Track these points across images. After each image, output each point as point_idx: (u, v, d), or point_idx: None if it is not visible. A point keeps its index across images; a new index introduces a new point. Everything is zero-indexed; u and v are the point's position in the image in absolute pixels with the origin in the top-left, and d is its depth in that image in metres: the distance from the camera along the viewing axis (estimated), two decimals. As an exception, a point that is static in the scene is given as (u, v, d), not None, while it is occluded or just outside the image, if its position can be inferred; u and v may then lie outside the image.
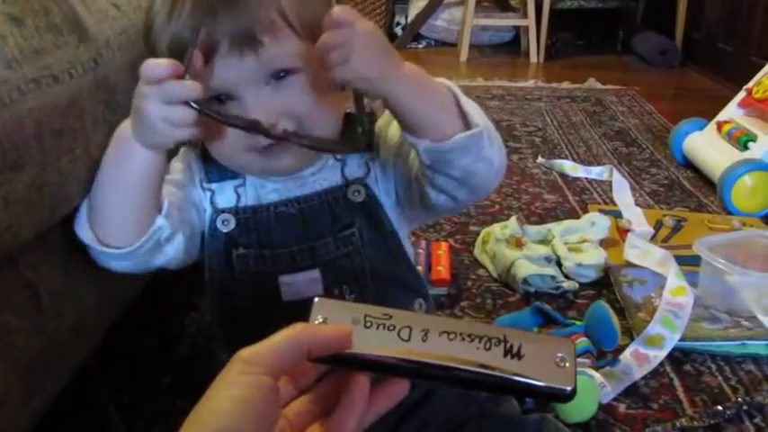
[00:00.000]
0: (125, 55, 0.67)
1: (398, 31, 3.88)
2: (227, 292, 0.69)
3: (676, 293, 1.13)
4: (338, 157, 0.68)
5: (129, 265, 0.63)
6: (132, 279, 0.75)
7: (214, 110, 0.57)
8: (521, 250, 1.27)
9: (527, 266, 1.21)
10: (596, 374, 0.93)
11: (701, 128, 1.83)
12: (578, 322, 1.05)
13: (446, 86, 0.60)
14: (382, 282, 0.69)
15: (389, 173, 0.68)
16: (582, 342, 0.99)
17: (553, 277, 1.20)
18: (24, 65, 0.52)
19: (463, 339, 0.43)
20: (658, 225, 1.47)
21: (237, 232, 0.67)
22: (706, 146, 1.77)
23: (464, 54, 3.44)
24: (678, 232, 1.45)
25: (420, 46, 3.82)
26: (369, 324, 0.43)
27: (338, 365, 0.44)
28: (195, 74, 0.56)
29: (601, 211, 1.50)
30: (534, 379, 0.41)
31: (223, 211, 0.67)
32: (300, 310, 0.44)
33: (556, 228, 1.37)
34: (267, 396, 0.39)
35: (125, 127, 0.58)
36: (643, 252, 1.30)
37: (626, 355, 1.00)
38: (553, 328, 1.05)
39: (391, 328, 0.43)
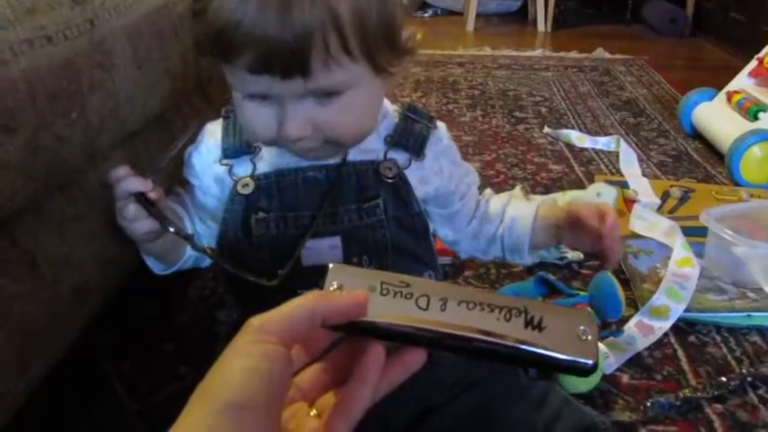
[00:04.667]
0: (121, 18, 0.65)
1: (404, -1, 3.83)
2: (242, 255, 0.69)
3: (682, 264, 1.12)
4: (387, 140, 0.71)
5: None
6: (132, 246, 0.74)
7: (155, 209, 0.65)
8: (525, 220, 1.26)
9: (532, 237, 1.19)
10: (600, 345, 0.92)
11: (711, 98, 1.80)
12: (583, 292, 1.04)
13: None
14: (400, 256, 0.70)
15: (439, 188, 0.74)
16: (586, 312, 0.98)
17: (557, 247, 1.19)
18: (17, 25, 0.51)
19: (483, 309, 0.41)
20: (665, 196, 1.45)
21: (257, 197, 0.68)
22: (715, 116, 1.74)
23: (471, 23, 3.39)
24: (685, 203, 1.43)
25: (426, 15, 3.76)
26: (385, 292, 0.42)
27: (353, 333, 0.42)
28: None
29: (607, 181, 1.49)
30: (557, 351, 0.40)
31: (242, 177, 0.69)
32: (319, 276, 0.43)
33: (561, 198, 1.36)
34: (280, 366, 0.37)
35: None
36: (649, 223, 1.29)
37: (630, 326, 1.00)
38: (557, 299, 1.05)
39: (409, 296, 0.42)
